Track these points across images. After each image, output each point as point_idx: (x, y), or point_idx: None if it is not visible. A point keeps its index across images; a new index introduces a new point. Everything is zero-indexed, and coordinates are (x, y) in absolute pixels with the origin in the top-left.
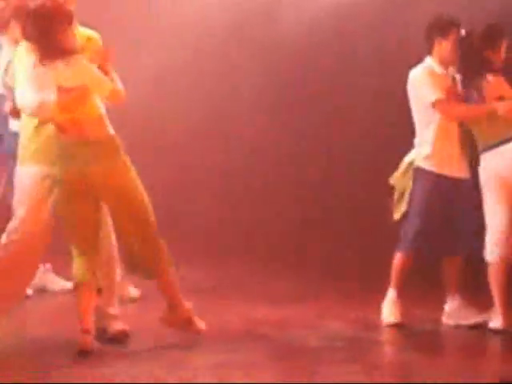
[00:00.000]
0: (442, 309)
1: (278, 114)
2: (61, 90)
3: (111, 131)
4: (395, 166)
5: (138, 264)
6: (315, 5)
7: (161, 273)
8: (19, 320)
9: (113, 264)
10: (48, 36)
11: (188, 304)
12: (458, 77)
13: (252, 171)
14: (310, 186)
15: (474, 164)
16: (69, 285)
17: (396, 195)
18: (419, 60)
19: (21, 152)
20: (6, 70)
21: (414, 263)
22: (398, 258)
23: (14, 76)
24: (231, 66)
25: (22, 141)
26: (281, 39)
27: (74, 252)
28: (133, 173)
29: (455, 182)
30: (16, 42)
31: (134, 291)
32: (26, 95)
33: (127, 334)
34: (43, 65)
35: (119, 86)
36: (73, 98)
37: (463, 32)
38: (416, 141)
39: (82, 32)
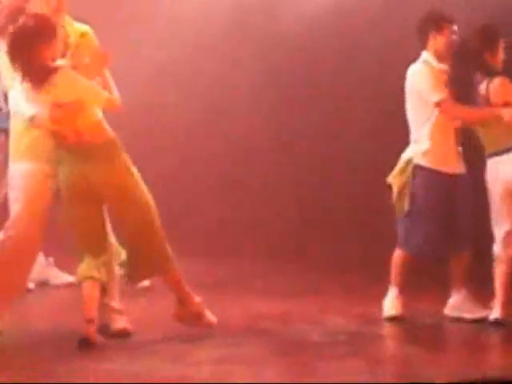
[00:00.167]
0: (444, 303)
1: (277, 112)
2: (56, 105)
3: (110, 134)
4: (395, 166)
5: (142, 263)
6: (315, 3)
7: (166, 270)
8: (21, 314)
9: (111, 259)
10: (33, 57)
11: (197, 298)
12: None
13: (252, 170)
14: (310, 185)
15: (476, 161)
16: (71, 279)
17: (394, 193)
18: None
19: (12, 149)
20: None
21: (415, 258)
22: (398, 256)
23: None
24: (231, 64)
25: (13, 137)
26: (280, 37)
27: (80, 250)
28: (134, 174)
29: (453, 178)
30: None
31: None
32: (20, 104)
33: (129, 333)
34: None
35: (114, 91)
36: (69, 111)
37: (456, 27)
38: (412, 137)
39: (75, 27)
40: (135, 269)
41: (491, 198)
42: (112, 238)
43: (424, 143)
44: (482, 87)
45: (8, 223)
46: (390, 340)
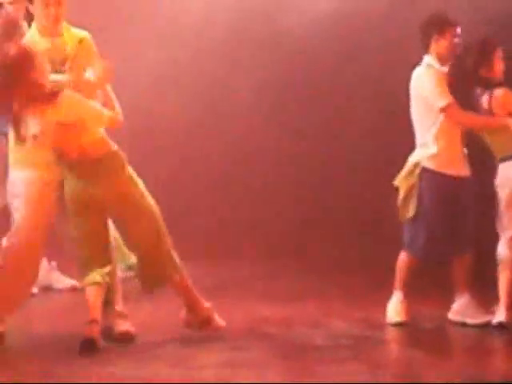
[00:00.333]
0: (448, 307)
1: (278, 113)
2: (59, 125)
3: (113, 147)
4: (395, 166)
5: (153, 272)
6: (315, 5)
7: (171, 277)
8: (25, 317)
9: (114, 263)
10: (28, 85)
11: (206, 304)
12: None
13: (252, 171)
14: (310, 185)
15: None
16: (74, 283)
17: (401, 196)
18: (420, 59)
19: (12, 156)
20: None
21: (419, 262)
22: (403, 260)
23: None
24: (231, 65)
25: (13, 144)
26: (281, 39)
27: (85, 261)
28: (138, 183)
29: (459, 181)
30: None
31: None
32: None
33: (132, 336)
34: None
35: (116, 106)
36: (72, 131)
37: (459, 30)
38: (418, 141)
39: (74, 34)
40: (147, 278)
41: (499, 202)
42: (119, 241)
43: (431, 147)
44: (484, 100)
45: (11, 231)
46: (392, 344)
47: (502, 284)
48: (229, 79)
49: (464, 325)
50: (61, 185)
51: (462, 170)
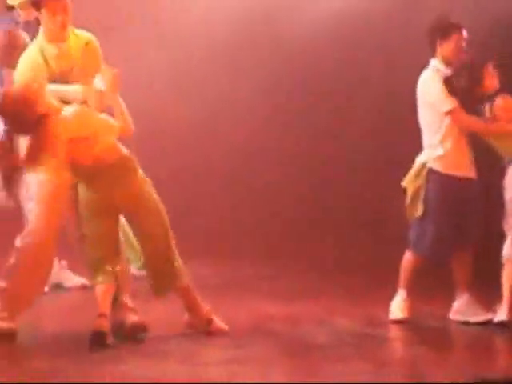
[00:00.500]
0: (450, 306)
1: (279, 114)
2: (72, 140)
3: (124, 152)
4: (395, 166)
5: (164, 275)
6: (315, 9)
7: (177, 281)
8: (36, 315)
9: (124, 262)
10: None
11: (206, 306)
12: None
13: (254, 172)
14: (311, 185)
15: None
16: (83, 281)
17: (409, 197)
18: (420, 61)
19: None
20: None
21: (425, 261)
22: (408, 259)
23: None
24: (234, 68)
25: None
26: (281, 42)
27: (97, 262)
28: (149, 185)
29: (465, 182)
30: None
31: None
32: None
33: (144, 327)
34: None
35: (127, 116)
36: (84, 144)
37: (465, 33)
38: (425, 143)
39: (79, 37)
40: (160, 282)
41: (506, 203)
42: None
43: (437, 149)
44: (486, 109)
45: (24, 231)
46: (395, 342)
47: (505, 283)
48: (231, 82)
49: (466, 323)
50: (73, 187)
51: (469, 171)
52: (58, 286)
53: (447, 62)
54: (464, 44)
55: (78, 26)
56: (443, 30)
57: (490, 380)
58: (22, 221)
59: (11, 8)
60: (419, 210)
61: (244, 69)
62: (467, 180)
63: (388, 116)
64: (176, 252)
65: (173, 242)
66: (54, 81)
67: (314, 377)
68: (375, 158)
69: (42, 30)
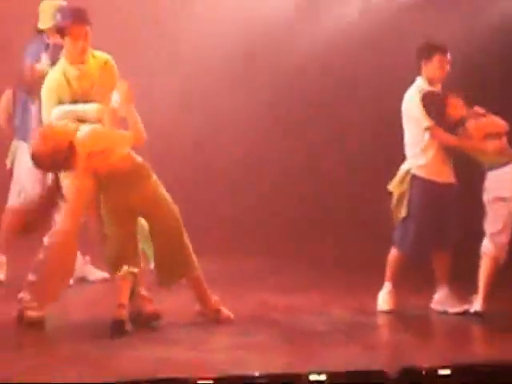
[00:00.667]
0: (431, 297)
1: (283, 125)
2: (88, 154)
3: (138, 159)
4: (386, 172)
5: (174, 267)
6: (314, 28)
7: (188, 272)
8: (62, 306)
9: (140, 258)
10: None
11: (215, 297)
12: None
13: (258, 176)
14: (316, 190)
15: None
16: (105, 275)
17: (394, 200)
18: (411, 77)
19: None
20: None
21: (408, 257)
22: (393, 255)
23: None
24: (241, 86)
25: None
26: (283, 58)
27: (117, 260)
28: (162, 188)
29: (445, 187)
30: None
31: None
32: None
33: (158, 315)
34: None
35: (140, 126)
36: (99, 157)
37: (448, 56)
38: (408, 153)
39: (97, 57)
40: (168, 273)
41: (486, 205)
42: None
43: (420, 158)
44: (461, 132)
45: (51, 231)
46: (383, 329)
47: (482, 276)
48: (240, 98)
49: (445, 313)
50: (94, 193)
51: (448, 177)
52: (81, 280)
53: (431, 82)
54: (447, 65)
55: (95, 46)
56: (427, 51)
57: (467, 364)
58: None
59: (41, 31)
60: (403, 212)
61: (245, 83)
62: (447, 185)
63: (387, 120)
64: (189, 247)
65: (186, 237)
66: (75, 100)
67: (312, 361)
68: (374, 160)
69: (64, 53)
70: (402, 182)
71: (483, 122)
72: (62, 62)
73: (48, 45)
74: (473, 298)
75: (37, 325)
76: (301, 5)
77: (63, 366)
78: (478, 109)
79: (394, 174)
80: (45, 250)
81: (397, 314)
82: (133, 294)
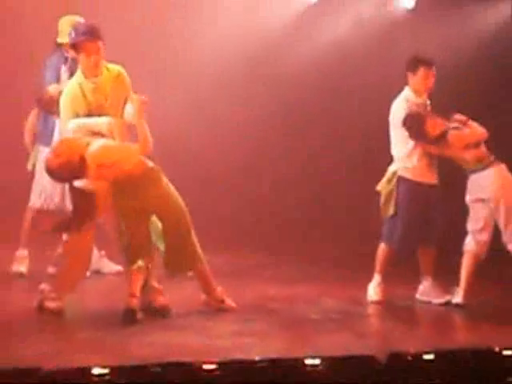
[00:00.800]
0: (417, 289)
1: (284, 130)
2: (99, 166)
3: (148, 164)
4: (376, 174)
5: (182, 259)
6: (307, 47)
7: (197, 265)
8: (80, 296)
9: (153, 252)
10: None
11: (219, 288)
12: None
13: (260, 178)
14: (313, 190)
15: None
16: (119, 268)
17: (382, 199)
18: (398, 88)
19: None
20: None
21: (395, 252)
22: (382, 250)
23: None
24: (245, 95)
25: None
26: (280, 74)
27: (133, 256)
28: (172, 189)
29: (429, 188)
30: None
31: None
32: None
33: (169, 308)
34: None
35: (148, 136)
36: (110, 169)
37: (433, 70)
38: (395, 155)
39: (110, 70)
40: (177, 265)
41: (468, 205)
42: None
43: (406, 161)
44: (443, 142)
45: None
46: (372, 317)
47: (463, 271)
48: (244, 107)
49: (429, 303)
50: (110, 195)
51: (432, 179)
52: (97, 272)
53: (417, 92)
54: (432, 78)
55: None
56: (413, 64)
57: (448, 349)
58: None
59: (60, 45)
60: (390, 210)
61: (256, 99)
62: (431, 186)
63: (380, 124)
64: (196, 242)
65: (193, 233)
66: (90, 111)
67: (307, 346)
68: (367, 161)
69: (80, 67)
70: (389, 182)
71: (463, 134)
72: (78, 75)
73: (67, 58)
74: (455, 290)
75: (56, 313)
76: (298, 19)
77: (80, 350)
78: (459, 116)
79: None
80: (64, 246)
81: (385, 304)
82: (145, 285)
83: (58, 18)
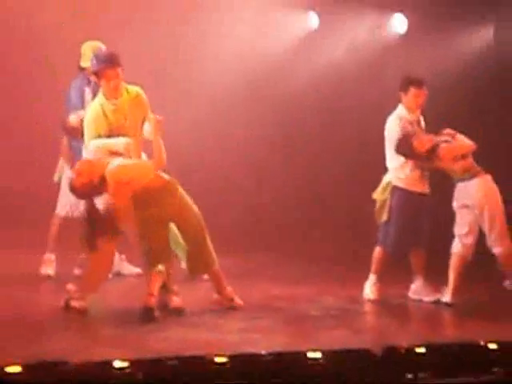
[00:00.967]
0: (409, 288)
1: (285, 139)
2: (117, 183)
3: (165, 177)
4: (372, 182)
5: (200, 262)
6: (305, 69)
7: (212, 267)
8: (102, 296)
9: (171, 257)
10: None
11: (229, 288)
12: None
13: (263, 183)
14: (315, 194)
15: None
16: (138, 270)
17: (377, 206)
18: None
19: None
20: None
21: (390, 254)
22: (378, 252)
23: None
24: (249, 112)
25: None
26: (280, 93)
27: (153, 259)
28: (188, 198)
29: (420, 196)
30: None
31: None
32: None
33: (183, 308)
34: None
35: (163, 154)
36: (128, 185)
37: (424, 90)
38: (390, 166)
39: (130, 91)
40: (195, 267)
41: (455, 210)
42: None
43: (399, 172)
44: (433, 155)
45: None
46: (368, 314)
47: (451, 271)
48: (249, 121)
49: (420, 301)
50: (130, 207)
51: (423, 188)
52: (118, 274)
53: (409, 110)
54: (423, 97)
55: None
56: (404, 84)
57: (438, 343)
58: None
59: (83, 69)
60: (384, 216)
61: (259, 116)
62: (422, 195)
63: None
64: (211, 245)
65: (208, 238)
66: (111, 131)
67: (309, 340)
68: (360, 173)
69: (101, 90)
70: (384, 191)
71: (452, 146)
72: (100, 97)
73: (90, 80)
74: (444, 289)
75: (80, 312)
76: (300, 43)
77: (102, 346)
78: (448, 131)
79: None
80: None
81: (380, 302)
82: (163, 287)
83: (80, 42)
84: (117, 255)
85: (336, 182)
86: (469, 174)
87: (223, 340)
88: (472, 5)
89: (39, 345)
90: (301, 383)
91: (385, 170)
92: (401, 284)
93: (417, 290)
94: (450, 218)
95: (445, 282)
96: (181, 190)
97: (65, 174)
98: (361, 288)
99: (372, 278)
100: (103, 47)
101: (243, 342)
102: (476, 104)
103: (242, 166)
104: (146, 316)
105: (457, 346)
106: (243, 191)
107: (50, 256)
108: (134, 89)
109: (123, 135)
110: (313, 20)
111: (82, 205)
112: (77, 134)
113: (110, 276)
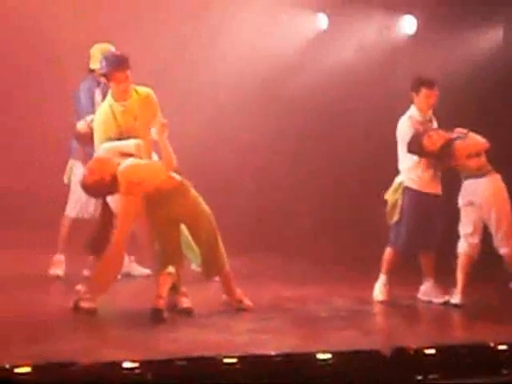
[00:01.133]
0: (419, 289)
1: (294, 142)
2: (129, 184)
3: (178, 178)
4: (381, 183)
5: (213, 263)
6: (314, 70)
7: (224, 269)
8: (111, 297)
9: (182, 259)
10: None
11: (239, 289)
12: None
13: (274, 186)
14: (324, 198)
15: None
16: (147, 271)
17: (389, 206)
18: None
19: None
20: None
21: (401, 255)
22: (389, 253)
23: None
24: (259, 115)
25: None
26: (298, 98)
27: (164, 260)
28: (199, 200)
29: (432, 197)
30: None
31: None
32: None
33: (192, 309)
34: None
35: (171, 155)
36: (140, 186)
37: (435, 91)
38: (401, 167)
39: (139, 92)
40: (209, 270)
41: (461, 209)
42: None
43: (411, 173)
44: (446, 152)
45: None
46: (378, 315)
47: (459, 272)
48: (258, 125)
49: (430, 302)
50: (142, 208)
51: (435, 189)
52: (127, 275)
53: (421, 110)
54: (434, 97)
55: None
56: (416, 85)
57: (448, 344)
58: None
59: (92, 71)
60: (396, 217)
61: (270, 117)
62: (434, 196)
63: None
64: (222, 247)
65: (219, 239)
66: (121, 133)
67: (318, 342)
68: (367, 177)
69: (110, 91)
70: (395, 191)
71: (466, 144)
72: (109, 99)
73: (99, 81)
74: (453, 290)
75: (90, 313)
76: (308, 44)
77: (112, 346)
78: (459, 130)
79: (388, 185)
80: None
81: (390, 303)
82: (173, 288)
83: (90, 43)
84: (126, 256)
85: (344, 183)
86: (480, 172)
87: (232, 341)
88: (481, 6)
89: (48, 345)
90: None
91: (393, 171)
92: (410, 285)
93: (426, 291)
94: (458, 218)
95: (454, 284)
96: (193, 191)
97: (74, 174)
98: (370, 289)
99: (382, 278)
100: (113, 49)
101: (252, 343)
102: (485, 104)
103: (249, 166)
104: (156, 317)
105: (466, 348)
106: (251, 192)
107: (60, 257)
108: (144, 90)
109: (133, 137)
110: (322, 21)
111: (91, 205)
112: (87, 140)
113: (120, 277)
